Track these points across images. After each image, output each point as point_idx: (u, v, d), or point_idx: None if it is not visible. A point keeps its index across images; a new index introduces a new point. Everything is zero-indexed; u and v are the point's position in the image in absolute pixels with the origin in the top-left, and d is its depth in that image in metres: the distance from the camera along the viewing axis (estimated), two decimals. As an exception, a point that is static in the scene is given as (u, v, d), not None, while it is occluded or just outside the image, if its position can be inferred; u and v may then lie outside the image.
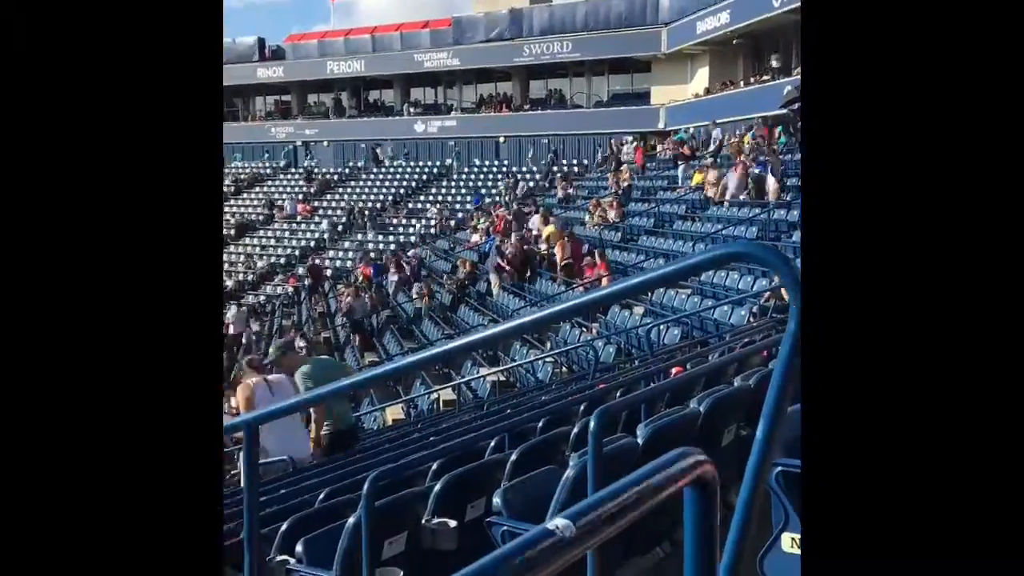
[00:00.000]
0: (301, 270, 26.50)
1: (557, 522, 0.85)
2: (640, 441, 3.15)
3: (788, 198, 14.22)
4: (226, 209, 34.01)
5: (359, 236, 29.32)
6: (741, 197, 15.34)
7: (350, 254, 27.76)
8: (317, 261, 27.01)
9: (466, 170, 31.52)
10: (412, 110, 34.45)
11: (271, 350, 6.78)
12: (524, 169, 29.66)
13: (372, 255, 25.55)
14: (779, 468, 2.35)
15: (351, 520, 3.18)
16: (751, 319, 9.82)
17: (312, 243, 29.92)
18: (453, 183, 31.09)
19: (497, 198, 26.67)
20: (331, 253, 28.80)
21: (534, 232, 17.24)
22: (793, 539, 2.36)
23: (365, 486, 3.08)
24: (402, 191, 31.85)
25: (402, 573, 3.15)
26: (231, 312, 20.53)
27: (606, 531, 0.92)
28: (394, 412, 11.92)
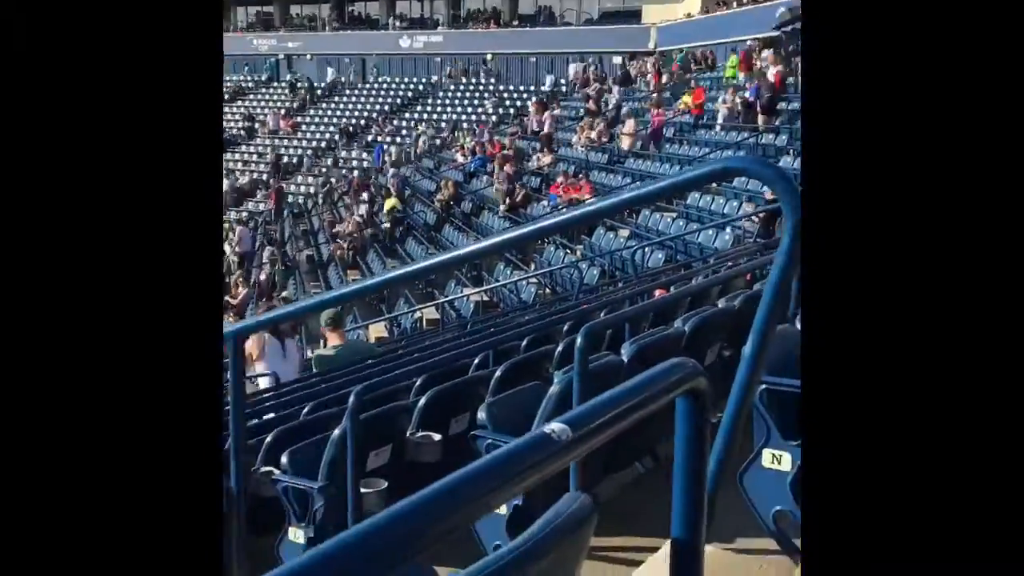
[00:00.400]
0: (284, 186, 26.18)
1: (554, 426, 0.85)
2: (625, 359, 3.16)
3: (777, 122, 14.11)
4: (207, 123, 33.26)
5: (343, 154, 28.92)
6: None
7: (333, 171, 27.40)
8: (282, 184, 26.51)
9: (452, 87, 30.95)
10: (397, 24, 33.60)
11: (323, 317, 5.92)
12: (511, 88, 29.17)
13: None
14: (763, 386, 2.37)
15: (336, 432, 3.21)
16: (736, 243, 9.84)
17: (294, 159, 29.49)
18: (439, 100, 30.55)
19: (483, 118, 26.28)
20: (316, 170, 28.42)
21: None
22: (773, 455, 2.40)
23: (350, 399, 3.10)
24: (387, 108, 31.29)
25: (386, 484, 3.20)
26: (237, 230, 20.31)
27: (601, 437, 0.91)
28: (377, 330, 11.96)
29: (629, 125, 16.70)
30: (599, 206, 1.92)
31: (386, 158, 25.41)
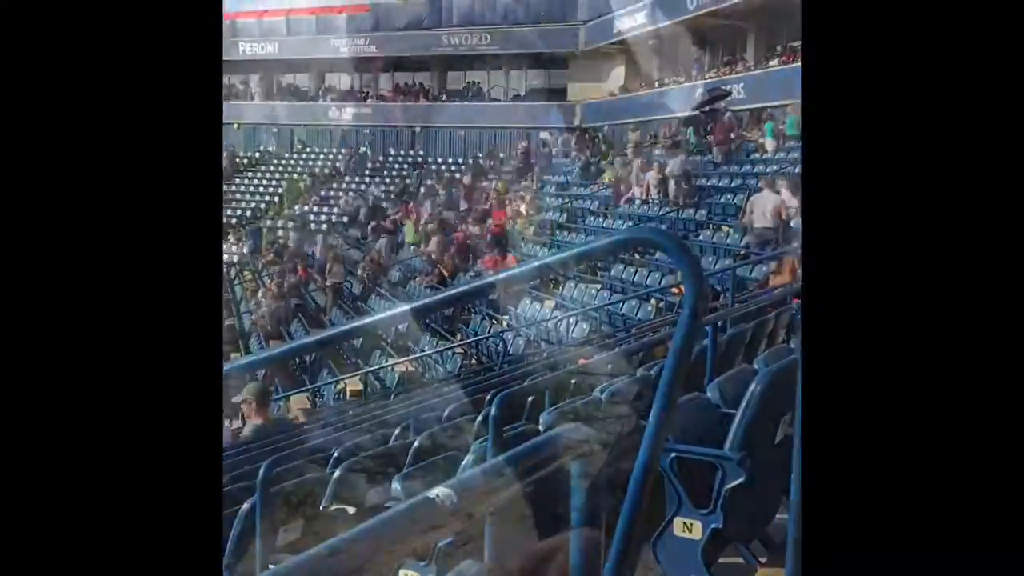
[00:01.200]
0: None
1: (438, 491, 0.85)
2: (542, 428, 3.16)
3: (696, 199, 14.57)
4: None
5: (268, 223, 28.67)
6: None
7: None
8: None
9: (380, 159, 31.14)
10: (329, 97, 33.80)
11: (246, 391, 5.38)
12: (439, 160, 29.50)
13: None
14: (673, 454, 2.40)
15: (245, 506, 3.11)
16: (659, 314, 10.03)
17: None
18: (367, 171, 30.67)
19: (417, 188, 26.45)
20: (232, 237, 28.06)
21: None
22: (685, 523, 2.41)
23: (260, 472, 3.01)
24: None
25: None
26: None
27: (489, 501, 0.91)
28: (300, 402, 11.69)
29: (433, 242, 16.50)
30: (510, 274, 1.95)
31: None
